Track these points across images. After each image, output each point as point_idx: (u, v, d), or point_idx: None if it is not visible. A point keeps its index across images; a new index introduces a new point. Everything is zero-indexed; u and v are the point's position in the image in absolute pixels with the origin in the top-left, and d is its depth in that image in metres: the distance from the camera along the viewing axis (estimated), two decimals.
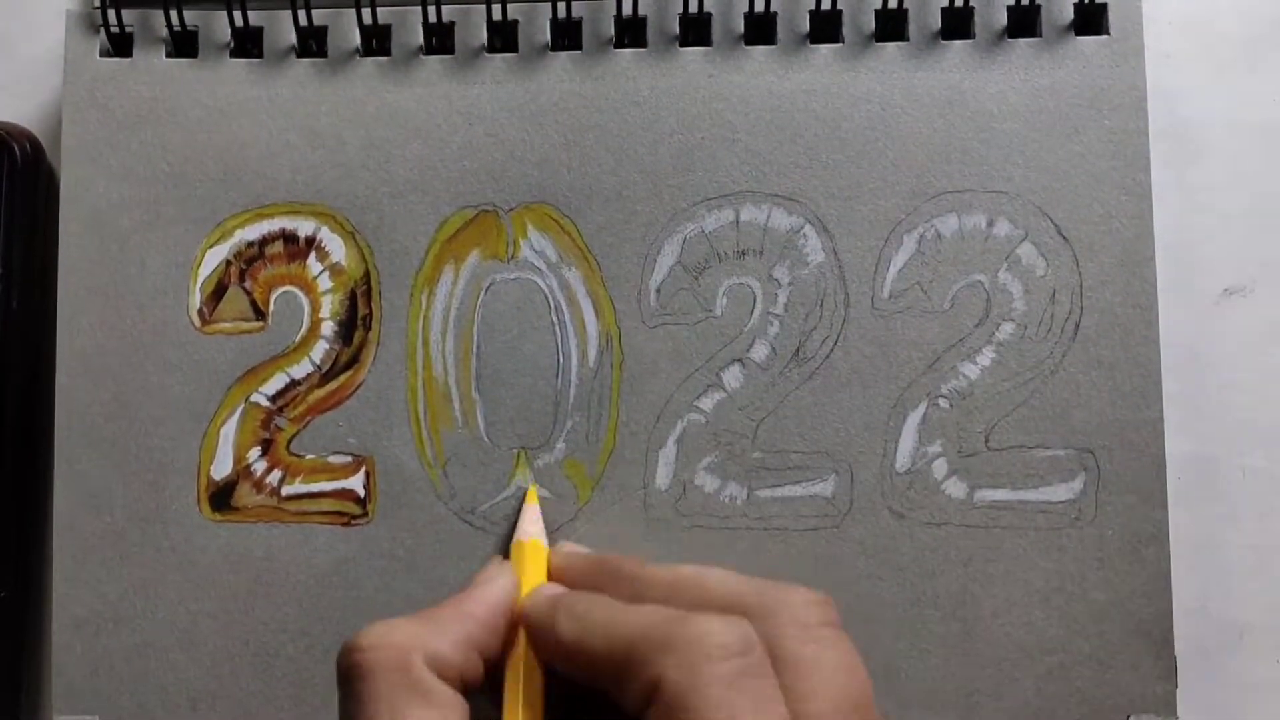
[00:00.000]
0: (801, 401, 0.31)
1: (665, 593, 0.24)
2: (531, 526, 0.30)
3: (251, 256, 0.32)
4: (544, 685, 0.25)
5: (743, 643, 0.21)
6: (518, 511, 0.31)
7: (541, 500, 0.31)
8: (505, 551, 0.31)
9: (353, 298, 0.32)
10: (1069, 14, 0.32)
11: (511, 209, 0.32)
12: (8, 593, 0.32)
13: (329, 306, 0.32)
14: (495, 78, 0.32)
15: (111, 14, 0.33)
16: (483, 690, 0.24)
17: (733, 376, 0.32)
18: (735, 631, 0.21)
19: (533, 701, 0.25)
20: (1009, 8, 0.32)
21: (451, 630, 0.24)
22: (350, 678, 0.23)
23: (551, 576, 0.28)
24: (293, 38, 0.33)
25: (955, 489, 0.31)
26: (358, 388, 0.32)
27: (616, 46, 0.32)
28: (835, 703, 0.22)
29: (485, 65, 0.33)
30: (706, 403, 0.32)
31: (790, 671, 0.22)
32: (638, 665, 0.21)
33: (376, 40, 0.33)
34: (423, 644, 0.23)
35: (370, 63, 0.33)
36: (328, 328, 0.32)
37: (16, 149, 0.33)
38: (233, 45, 0.33)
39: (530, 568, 0.28)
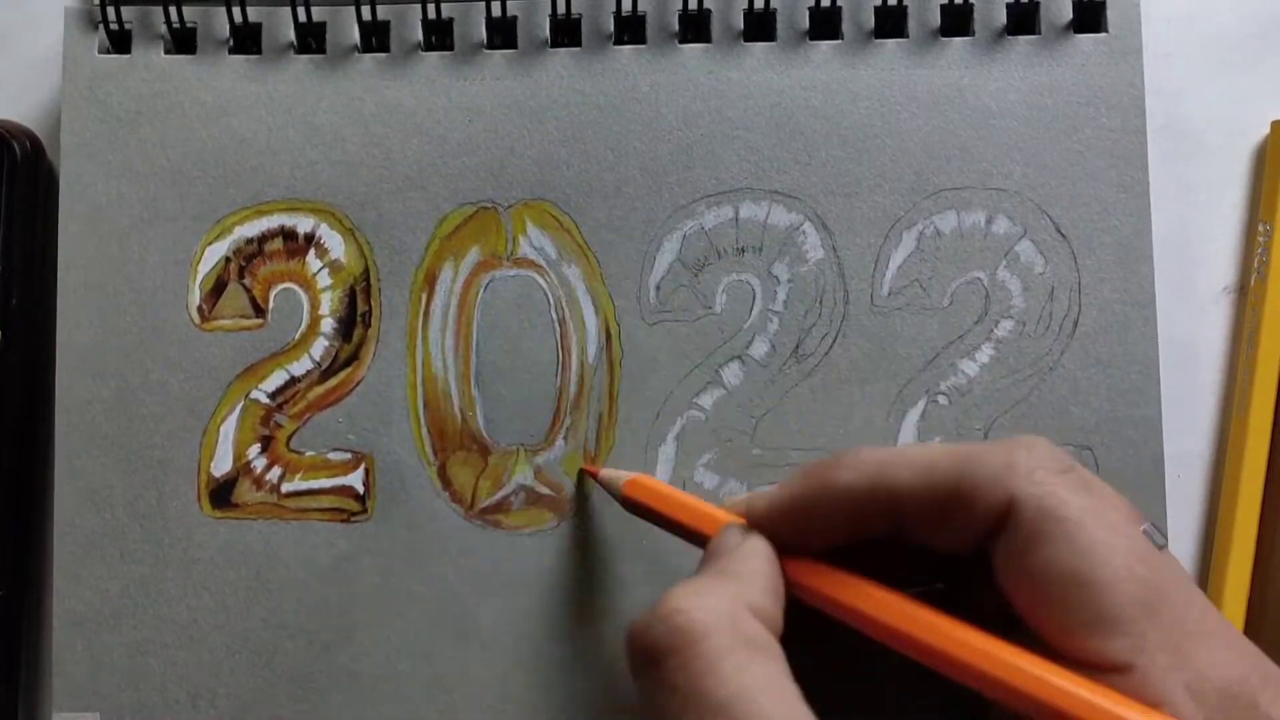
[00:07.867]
0: (801, 398, 0.32)
1: (875, 468, 0.22)
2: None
3: (251, 253, 0.32)
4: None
5: (1071, 457, 0.22)
6: (533, 501, 0.31)
7: (542, 497, 0.32)
8: (509, 551, 0.31)
9: (352, 295, 0.32)
10: (1068, 12, 0.32)
11: (511, 205, 0.32)
12: (7, 590, 0.32)
13: (328, 303, 0.32)
14: (495, 74, 0.32)
15: (110, 11, 0.32)
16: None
17: (732, 373, 0.32)
18: (1062, 449, 0.22)
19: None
20: (1008, 5, 0.32)
21: (757, 581, 0.22)
22: (671, 647, 0.20)
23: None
24: (291, 34, 0.33)
25: None
26: (357, 385, 0.32)
27: (616, 43, 0.32)
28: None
29: (485, 61, 0.33)
30: (706, 400, 0.32)
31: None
32: (978, 490, 0.21)
33: (375, 36, 0.33)
34: (743, 596, 0.21)
35: (369, 59, 0.33)
36: (327, 325, 0.32)
37: (16, 146, 0.33)
38: (231, 42, 0.33)
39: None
